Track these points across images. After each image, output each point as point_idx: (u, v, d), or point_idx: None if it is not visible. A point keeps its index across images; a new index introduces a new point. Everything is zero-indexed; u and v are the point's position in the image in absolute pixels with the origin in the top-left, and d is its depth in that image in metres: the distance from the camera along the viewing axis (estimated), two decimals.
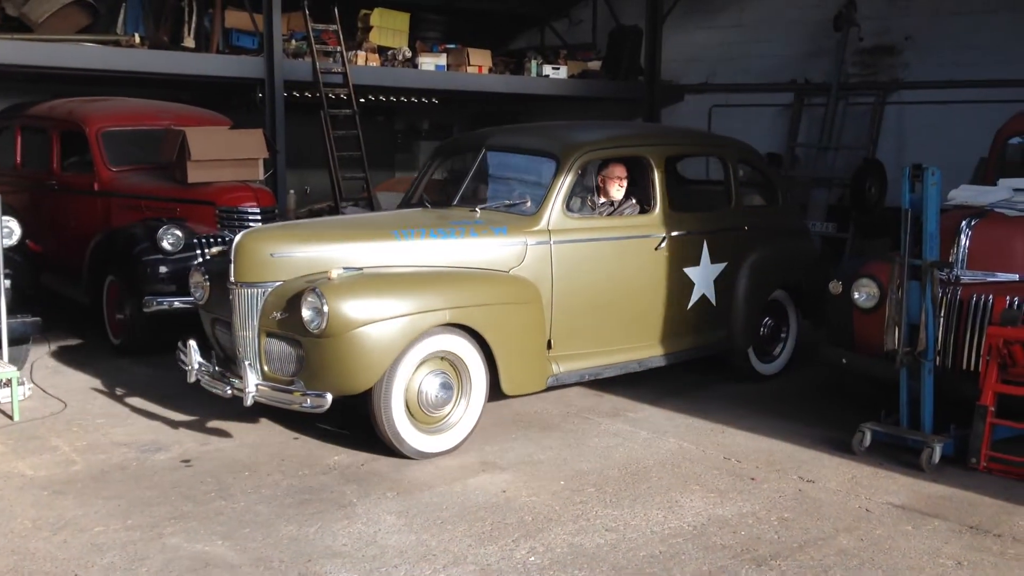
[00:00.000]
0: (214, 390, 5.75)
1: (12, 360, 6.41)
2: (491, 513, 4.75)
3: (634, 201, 6.74)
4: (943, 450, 5.38)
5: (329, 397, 5.26)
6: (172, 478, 5.17)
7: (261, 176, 8.46)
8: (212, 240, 7.65)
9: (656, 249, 6.57)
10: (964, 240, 5.80)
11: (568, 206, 6.29)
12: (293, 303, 5.38)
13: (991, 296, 5.62)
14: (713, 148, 7.94)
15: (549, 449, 5.70)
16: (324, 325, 5.20)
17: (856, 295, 6.08)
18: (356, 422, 6.10)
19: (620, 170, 6.69)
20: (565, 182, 6.23)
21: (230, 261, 5.63)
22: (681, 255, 6.71)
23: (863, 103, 12.45)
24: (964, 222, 5.84)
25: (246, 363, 5.53)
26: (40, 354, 7.52)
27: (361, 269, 5.55)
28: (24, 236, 6.85)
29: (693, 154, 8.44)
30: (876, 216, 11.13)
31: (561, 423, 6.19)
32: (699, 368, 7.28)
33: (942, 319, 5.64)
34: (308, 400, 5.29)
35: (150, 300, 7.36)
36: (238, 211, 7.87)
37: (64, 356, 7.67)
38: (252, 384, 5.46)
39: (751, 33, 13.49)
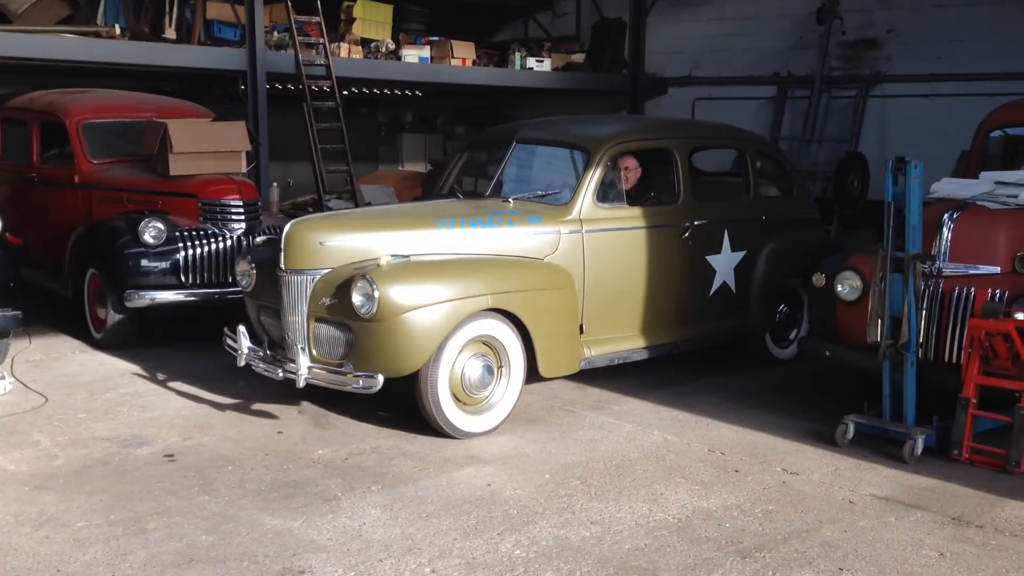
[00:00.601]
0: (266, 373, 5.93)
1: None
2: (476, 506, 4.75)
3: (652, 193, 6.99)
4: (925, 442, 5.41)
5: (380, 378, 5.45)
6: (155, 473, 5.14)
7: (244, 169, 8.41)
8: (195, 233, 7.60)
9: (682, 238, 6.83)
10: (946, 233, 5.83)
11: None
12: (343, 289, 5.59)
13: (973, 288, 5.65)
14: (733, 140, 8.17)
15: (534, 442, 5.70)
16: (374, 310, 5.42)
17: (839, 288, 6.10)
18: (341, 414, 6.10)
19: (631, 161, 6.92)
20: (596, 174, 6.50)
21: (280, 249, 5.81)
22: (704, 244, 7.01)
23: (846, 96, 12.50)
24: (946, 215, 5.87)
25: (298, 346, 5.73)
26: (21, 348, 7.46)
27: (408, 257, 5.76)
28: (4, 229, 6.79)
29: (714, 146, 8.74)
30: (859, 209, 11.18)
31: (546, 416, 6.19)
32: (691, 360, 7.31)
33: (924, 311, 5.66)
34: (360, 381, 5.49)
35: (132, 294, 7.32)
36: (220, 204, 7.81)
37: (45, 350, 7.62)
38: (304, 367, 5.65)
39: (734, 26, 13.51)
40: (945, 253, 5.81)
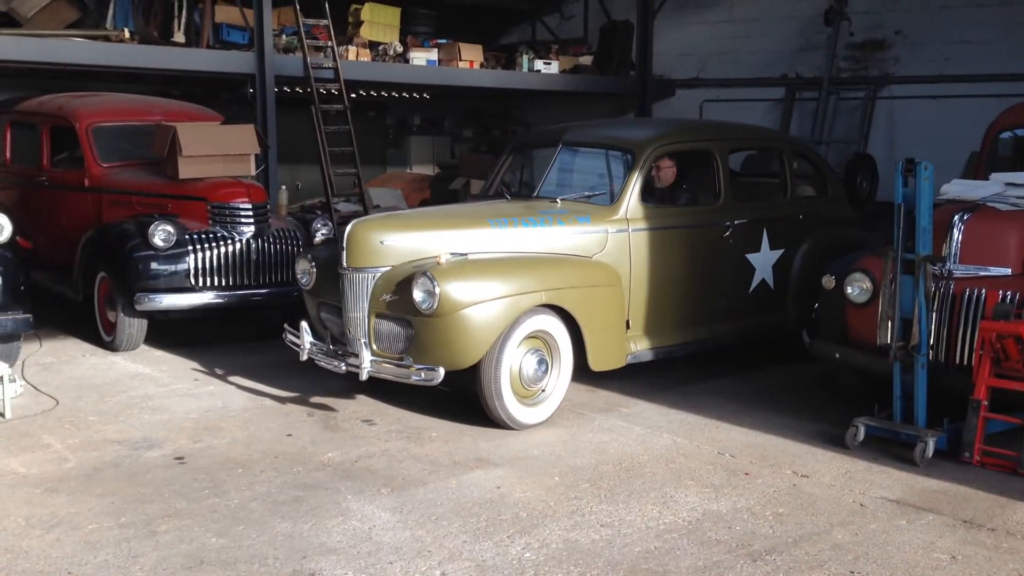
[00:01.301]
0: (328, 367, 6.13)
1: (3, 357, 6.40)
2: (486, 509, 4.75)
3: (684, 186, 7.17)
4: (936, 444, 5.39)
5: (441, 371, 5.66)
6: (165, 475, 5.15)
7: (253, 172, 8.43)
8: (204, 236, 7.62)
9: (723, 237, 7.02)
10: (957, 234, 5.82)
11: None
12: (403, 286, 5.80)
13: (984, 290, 5.63)
14: (771, 142, 8.41)
15: (543, 445, 5.70)
16: (435, 306, 5.63)
17: (849, 289, 6.09)
18: (350, 417, 6.10)
19: (665, 160, 7.07)
20: (641, 175, 6.72)
21: (342, 248, 6.00)
22: (744, 242, 7.21)
23: (854, 98, 12.47)
24: (957, 216, 5.86)
25: (361, 341, 5.93)
26: (31, 351, 7.49)
27: (466, 255, 5.93)
28: (14, 232, 6.81)
29: (753, 148, 8.87)
30: (868, 210, 11.16)
31: (555, 418, 6.18)
32: (699, 361, 7.30)
33: (935, 313, 5.65)
34: (422, 374, 5.69)
35: (142, 297, 7.34)
36: (230, 207, 7.82)
37: (55, 353, 7.64)
38: (367, 360, 5.84)
39: (742, 28, 13.50)
40: (955, 255, 5.80)
